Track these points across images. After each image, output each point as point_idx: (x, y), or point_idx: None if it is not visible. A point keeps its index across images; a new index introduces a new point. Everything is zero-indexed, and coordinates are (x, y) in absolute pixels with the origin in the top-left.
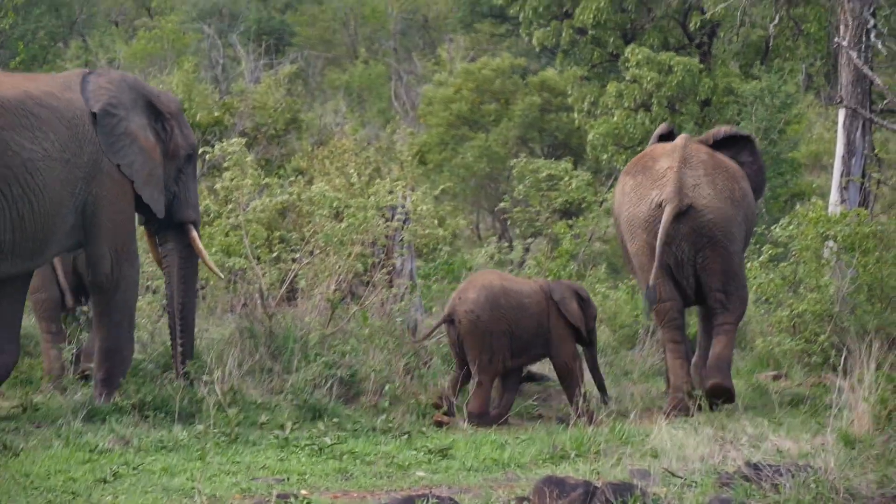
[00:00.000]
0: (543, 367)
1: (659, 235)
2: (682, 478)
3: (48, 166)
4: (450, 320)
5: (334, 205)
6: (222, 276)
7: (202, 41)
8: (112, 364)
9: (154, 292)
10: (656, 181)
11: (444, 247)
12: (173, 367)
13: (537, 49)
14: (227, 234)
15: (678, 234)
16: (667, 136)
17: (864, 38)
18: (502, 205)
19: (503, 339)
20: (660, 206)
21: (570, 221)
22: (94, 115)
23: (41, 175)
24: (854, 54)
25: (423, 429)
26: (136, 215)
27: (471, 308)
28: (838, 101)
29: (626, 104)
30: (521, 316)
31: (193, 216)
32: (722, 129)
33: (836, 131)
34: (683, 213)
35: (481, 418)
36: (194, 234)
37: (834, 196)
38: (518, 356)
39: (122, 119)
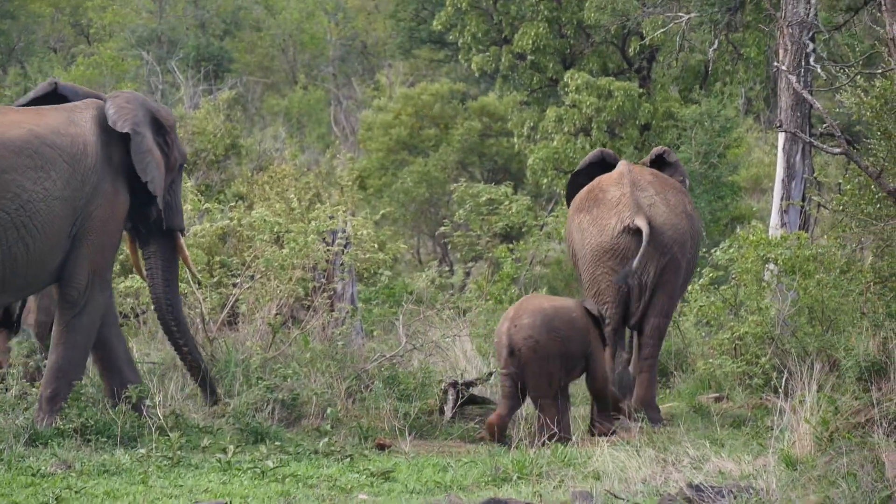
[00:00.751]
0: (485, 389)
1: (641, 247)
2: (624, 499)
3: (48, 207)
4: (510, 352)
5: (275, 230)
6: (200, 280)
7: (141, 67)
8: (60, 385)
9: None
10: (612, 209)
11: (384, 271)
12: (187, 370)
13: (476, 74)
14: None
15: (644, 257)
16: (598, 163)
17: (803, 63)
18: (443, 229)
19: (559, 360)
20: (624, 232)
21: (510, 245)
22: (124, 135)
23: (40, 217)
24: (793, 78)
25: (366, 452)
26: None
27: (529, 334)
28: (778, 124)
29: (565, 129)
30: (572, 335)
31: (181, 224)
32: (653, 151)
33: (775, 155)
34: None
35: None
36: (181, 240)
37: (774, 219)
38: (567, 375)
39: (144, 136)
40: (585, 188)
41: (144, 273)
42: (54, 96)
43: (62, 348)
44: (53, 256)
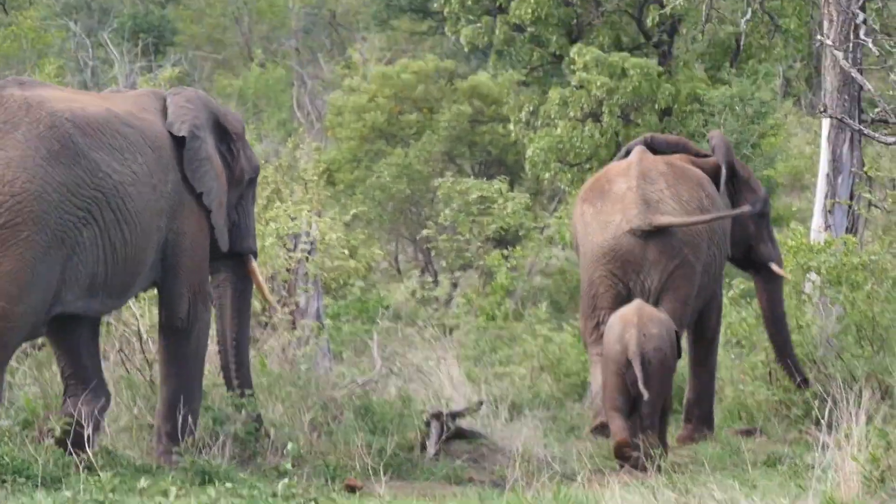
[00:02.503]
0: (474, 421)
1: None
2: None
3: (139, 192)
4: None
5: None
6: (278, 308)
7: (67, 40)
8: (185, 414)
9: None
10: (616, 204)
11: (356, 282)
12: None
13: (466, 49)
14: None
15: (647, 261)
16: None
17: (851, 36)
18: (425, 232)
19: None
20: (630, 233)
21: (505, 251)
22: (180, 138)
23: (132, 201)
24: (840, 55)
25: (333, 495)
26: None
27: (658, 345)
28: (822, 109)
29: (571, 114)
30: (674, 347)
31: (253, 246)
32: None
33: (819, 145)
34: (650, 235)
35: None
36: (254, 264)
37: (817, 221)
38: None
39: (203, 142)
40: (594, 176)
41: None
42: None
43: (175, 379)
44: (145, 255)
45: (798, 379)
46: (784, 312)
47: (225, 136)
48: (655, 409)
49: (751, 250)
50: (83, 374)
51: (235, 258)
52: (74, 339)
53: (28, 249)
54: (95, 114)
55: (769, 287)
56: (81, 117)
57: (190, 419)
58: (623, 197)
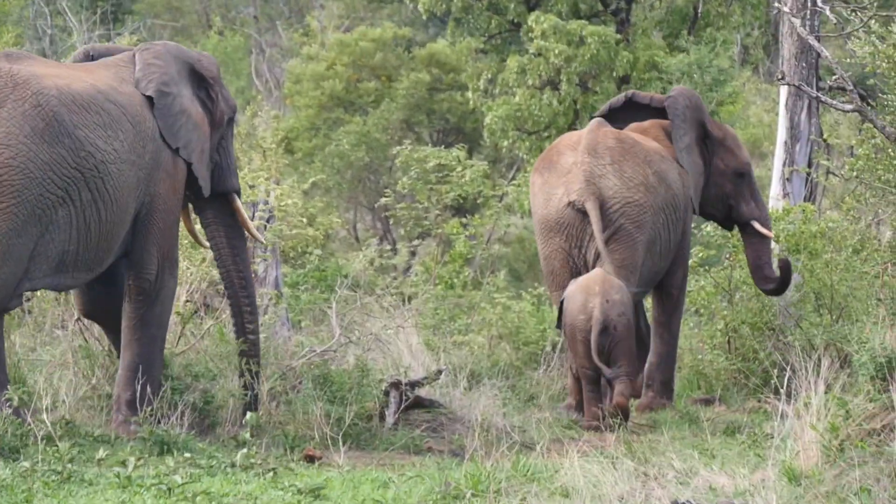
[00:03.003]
0: (433, 390)
1: (595, 233)
2: None
3: (119, 170)
4: (603, 328)
5: None
6: (264, 241)
7: (26, 8)
8: (146, 381)
9: None
10: (562, 177)
11: (314, 250)
12: (242, 361)
13: (424, 17)
14: None
15: (587, 235)
16: (623, 108)
17: (809, 4)
18: (384, 200)
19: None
20: (569, 206)
21: (463, 220)
22: (148, 98)
23: (112, 179)
24: (797, 22)
25: (292, 465)
26: None
27: (622, 311)
28: (780, 77)
29: (529, 82)
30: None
31: (236, 185)
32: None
33: (777, 113)
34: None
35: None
36: (238, 203)
37: (775, 189)
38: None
39: (176, 96)
40: (546, 149)
41: (206, 242)
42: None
43: (137, 345)
44: (120, 230)
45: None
46: (773, 270)
47: (202, 82)
48: (630, 370)
49: (731, 210)
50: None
51: (220, 198)
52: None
53: (5, 221)
54: (81, 91)
55: (755, 244)
56: (67, 95)
57: (150, 388)
58: (569, 170)
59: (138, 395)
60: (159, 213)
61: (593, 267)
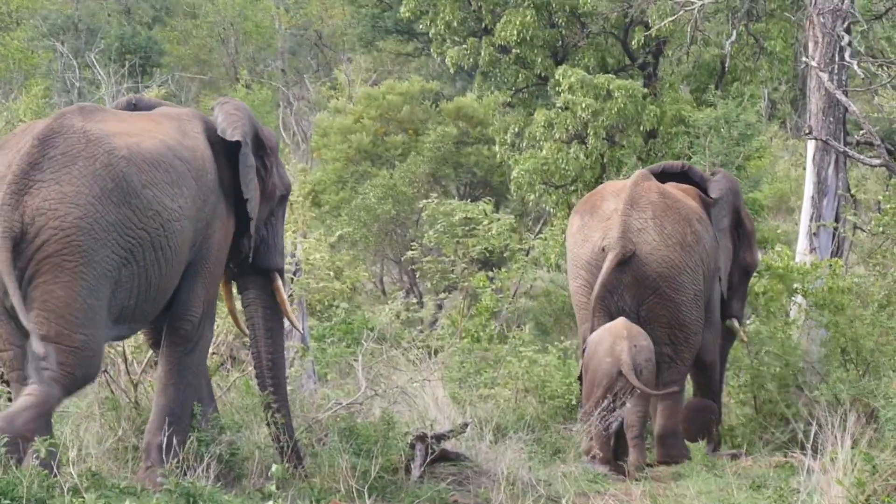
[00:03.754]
0: (459, 443)
1: (597, 283)
2: None
3: (182, 227)
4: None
5: None
6: (301, 331)
7: (54, 61)
8: (177, 429)
9: None
10: (601, 223)
11: (341, 303)
12: (273, 442)
13: (452, 71)
14: None
15: (621, 284)
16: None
17: (836, 58)
18: (410, 254)
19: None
20: (602, 251)
21: (490, 273)
22: (233, 146)
23: (175, 236)
24: (825, 76)
25: None
26: None
27: (648, 357)
28: (807, 131)
29: (556, 135)
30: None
31: (280, 264)
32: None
33: (804, 167)
34: (626, 261)
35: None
36: (279, 283)
37: (802, 244)
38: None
39: (251, 150)
40: (591, 192)
41: (243, 324)
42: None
43: (173, 390)
44: (174, 283)
45: None
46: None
47: (261, 149)
48: (643, 419)
49: (723, 300)
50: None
51: (262, 275)
52: None
53: (77, 279)
54: (151, 148)
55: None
56: (137, 154)
57: (178, 436)
58: (609, 217)
59: (171, 441)
60: (210, 263)
61: (627, 317)
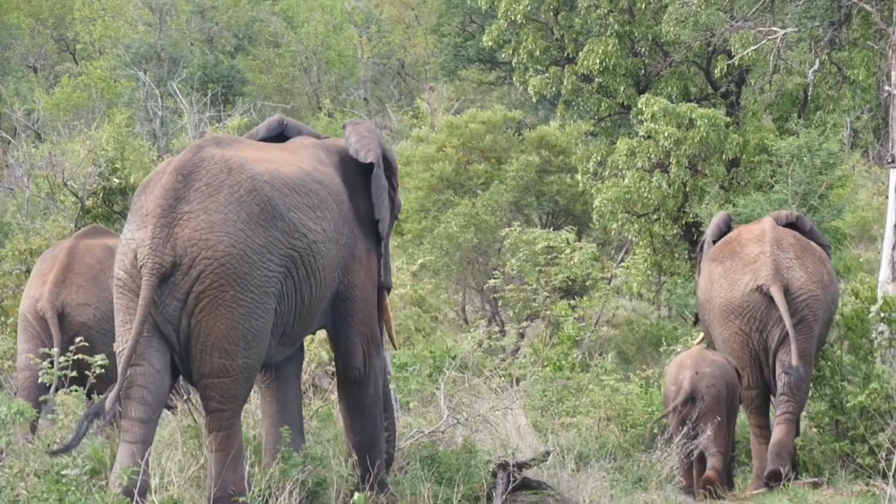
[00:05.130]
0: (541, 472)
1: (784, 316)
2: None
3: (326, 248)
4: (691, 398)
5: None
6: (397, 349)
7: (137, 90)
8: (370, 458)
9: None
10: (748, 265)
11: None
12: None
13: (534, 99)
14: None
15: (771, 319)
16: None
17: None
18: (492, 282)
19: (733, 412)
20: (756, 290)
21: (572, 302)
22: (367, 165)
23: (321, 257)
24: None
25: None
26: None
27: (711, 383)
28: (889, 160)
29: (639, 164)
30: (733, 392)
31: (390, 282)
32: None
33: (886, 196)
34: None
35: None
36: (386, 301)
37: (885, 273)
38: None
39: (382, 172)
40: (723, 239)
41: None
42: (281, 137)
43: (360, 426)
44: (322, 306)
45: None
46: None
47: (388, 169)
48: (718, 441)
49: None
50: (288, 417)
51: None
52: (284, 382)
53: (235, 308)
54: (290, 174)
55: None
56: (278, 179)
57: (378, 464)
58: (755, 259)
59: (374, 468)
60: (358, 303)
61: (774, 352)
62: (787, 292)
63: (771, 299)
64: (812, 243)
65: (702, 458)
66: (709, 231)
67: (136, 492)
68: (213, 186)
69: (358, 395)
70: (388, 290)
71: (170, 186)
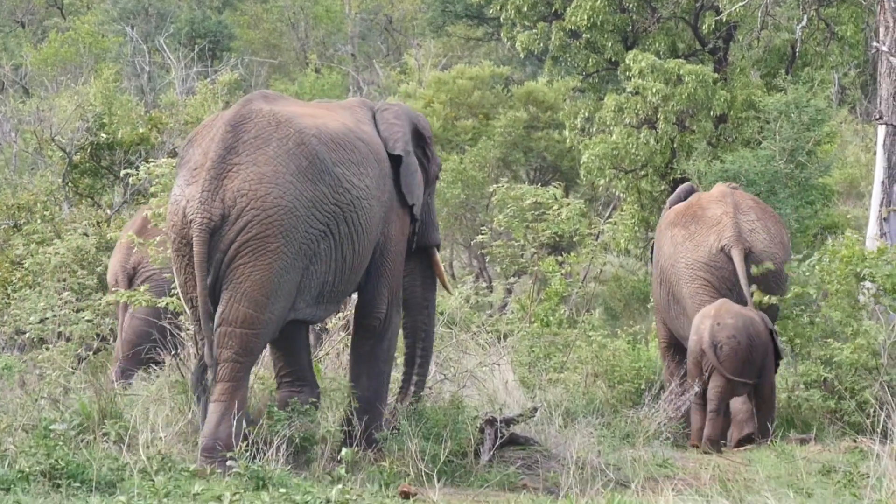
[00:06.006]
0: (528, 427)
1: (741, 280)
2: None
3: (369, 205)
4: (711, 347)
5: None
6: (455, 295)
7: (124, 45)
8: (371, 416)
9: (68, 340)
10: (712, 227)
11: None
12: (401, 395)
13: (522, 55)
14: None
15: (738, 279)
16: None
17: None
18: (480, 238)
19: (750, 366)
20: (721, 251)
21: (559, 258)
22: (396, 157)
23: (364, 214)
24: None
25: (387, 501)
26: None
27: (732, 334)
28: (877, 116)
29: (626, 120)
30: (759, 342)
31: (438, 239)
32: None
33: (874, 153)
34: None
35: (716, 445)
36: (437, 257)
37: (872, 229)
38: (747, 384)
39: (411, 155)
40: (682, 204)
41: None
42: None
43: (366, 379)
44: (366, 263)
45: None
46: None
47: (421, 141)
48: (723, 394)
49: None
50: (301, 373)
51: (422, 252)
52: (295, 340)
53: (276, 260)
54: (335, 129)
55: None
56: (325, 133)
57: (375, 421)
58: (718, 221)
59: (366, 427)
60: (391, 255)
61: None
62: (750, 254)
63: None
64: (768, 207)
65: (727, 413)
66: (670, 199)
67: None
68: (262, 139)
69: (374, 346)
70: (438, 247)
71: (220, 138)
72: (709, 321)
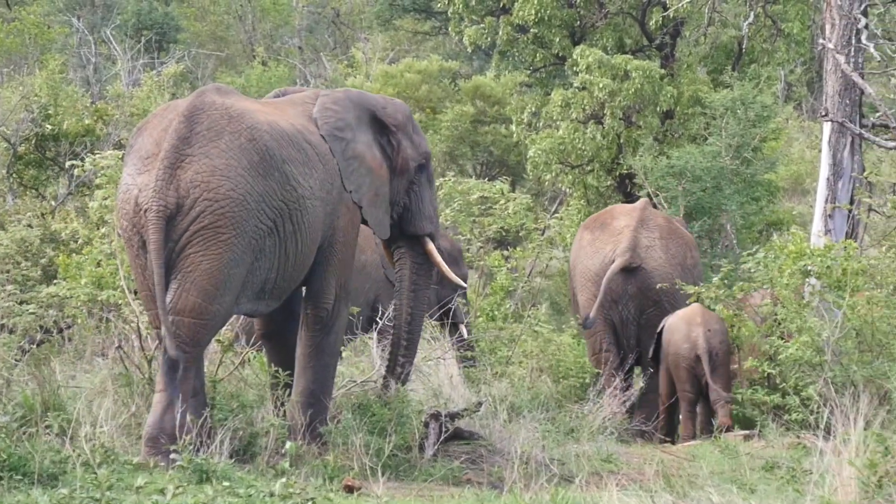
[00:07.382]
0: (473, 422)
1: (604, 280)
2: None
3: (313, 205)
4: (706, 354)
5: None
6: (465, 286)
7: (70, 36)
8: (316, 410)
9: (11, 332)
10: (612, 237)
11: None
12: (386, 380)
13: (469, 50)
14: (98, 264)
15: (626, 294)
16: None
17: (853, 41)
18: None
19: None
20: (611, 263)
21: (505, 252)
22: (323, 138)
23: (308, 214)
24: (842, 59)
25: (331, 494)
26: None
27: (722, 339)
28: (823, 113)
29: (573, 115)
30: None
31: (428, 228)
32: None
33: (819, 149)
34: (633, 272)
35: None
36: (431, 246)
37: (817, 225)
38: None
39: (350, 141)
40: (601, 211)
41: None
42: None
43: (312, 371)
44: (308, 261)
45: None
46: None
47: (384, 129)
48: (725, 394)
49: None
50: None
51: (412, 239)
52: (289, 337)
53: (227, 251)
54: (286, 127)
55: None
56: (277, 131)
57: (320, 414)
58: (619, 232)
59: (315, 417)
60: (339, 246)
61: (633, 326)
62: (640, 271)
63: (625, 272)
64: (682, 229)
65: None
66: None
67: None
68: (215, 132)
69: (321, 339)
70: (432, 237)
71: (174, 129)
72: (699, 329)
